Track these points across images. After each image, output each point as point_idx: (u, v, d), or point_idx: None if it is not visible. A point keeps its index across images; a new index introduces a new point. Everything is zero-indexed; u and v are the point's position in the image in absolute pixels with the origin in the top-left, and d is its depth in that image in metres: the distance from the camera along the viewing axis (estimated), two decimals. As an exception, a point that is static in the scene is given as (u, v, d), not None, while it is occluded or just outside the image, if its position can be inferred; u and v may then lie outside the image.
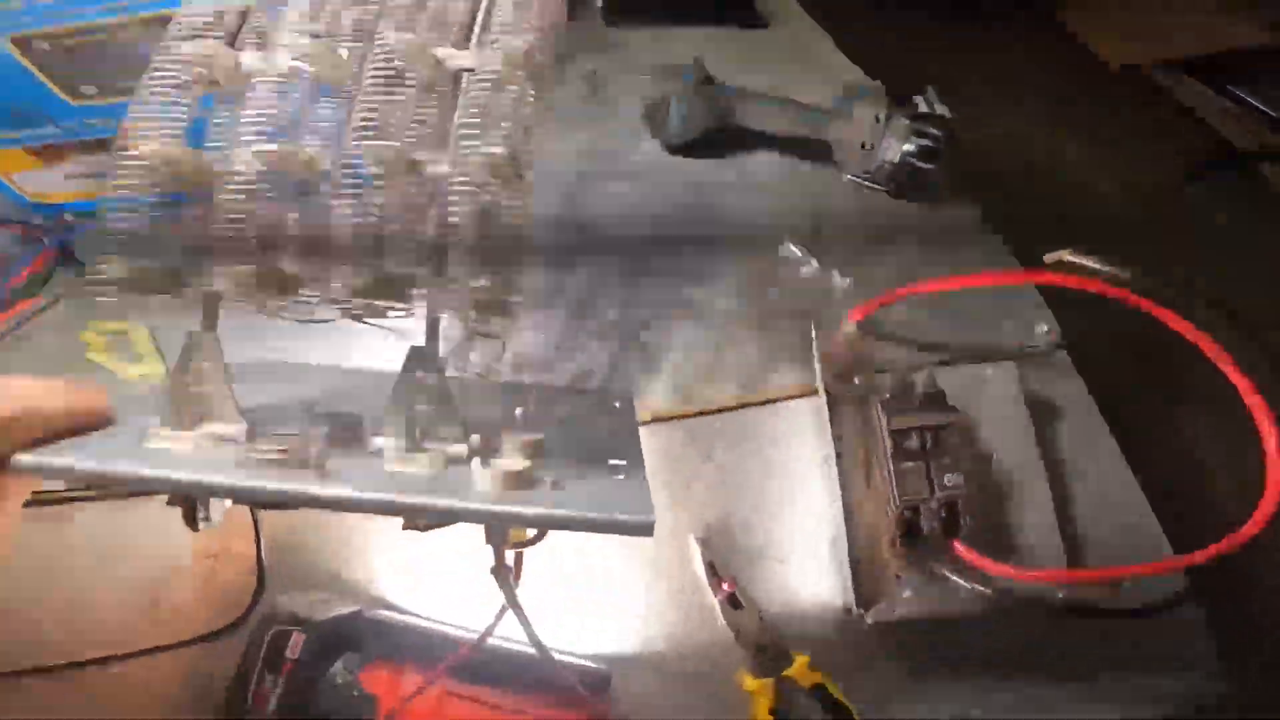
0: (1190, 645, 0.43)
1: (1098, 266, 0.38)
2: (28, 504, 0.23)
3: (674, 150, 0.65)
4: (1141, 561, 0.39)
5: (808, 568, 0.44)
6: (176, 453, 0.22)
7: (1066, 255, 0.40)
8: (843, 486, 0.44)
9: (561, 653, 0.39)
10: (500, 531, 0.25)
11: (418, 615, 0.40)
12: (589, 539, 0.42)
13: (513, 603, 0.27)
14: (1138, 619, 0.41)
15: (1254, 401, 0.35)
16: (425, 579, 0.42)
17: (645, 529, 0.20)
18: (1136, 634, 0.43)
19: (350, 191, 0.23)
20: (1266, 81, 2.43)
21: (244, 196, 0.24)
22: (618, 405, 0.34)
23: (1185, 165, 2.16)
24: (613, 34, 0.83)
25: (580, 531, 0.21)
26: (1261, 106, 2.32)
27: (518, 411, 0.28)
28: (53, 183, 0.56)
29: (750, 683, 0.40)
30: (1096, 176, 2.13)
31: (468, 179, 0.22)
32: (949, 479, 0.40)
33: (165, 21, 0.40)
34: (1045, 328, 0.54)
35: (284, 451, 0.20)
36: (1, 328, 0.51)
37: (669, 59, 0.69)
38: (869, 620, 0.40)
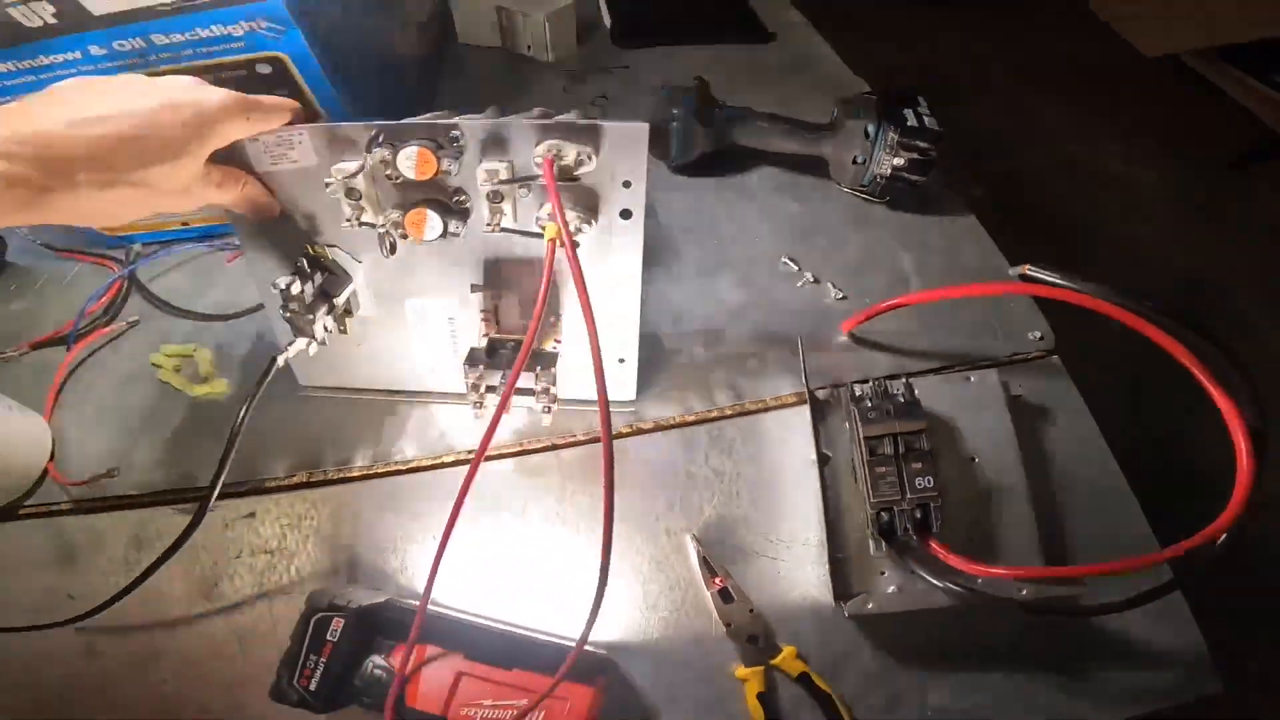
0: (1177, 635, 0.45)
1: (1057, 280, 0.41)
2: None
3: (677, 170, 0.68)
4: (1128, 556, 0.41)
5: (797, 564, 0.47)
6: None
7: (1028, 269, 0.42)
8: (829, 488, 0.47)
9: (566, 639, 0.43)
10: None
11: (440, 604, 0.44)
12: (595, 535, 0.47)
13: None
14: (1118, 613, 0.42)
15: (1225, 405, 0.37)
16: (447, 573, 0.46)
17: None
18: (1122, 627, 0.45)
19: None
20: None
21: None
22: None
23: (1228, 155, 2.10)
24: (623, 55, 0.88)
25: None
26: None
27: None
28: None
29: (741, 670, 0.43)
30: (1137, 168, 2.09)
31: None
32: (920, 482, 0.43)
33: (213, 70, 0.48)
34: (1038, 333, 0.56)
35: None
36: (82, 352, 0.57)
37: (676, 76, 0.72)
38: (846, 613, 0.43)
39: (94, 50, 0.47)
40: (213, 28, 0.46)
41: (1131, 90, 2.52)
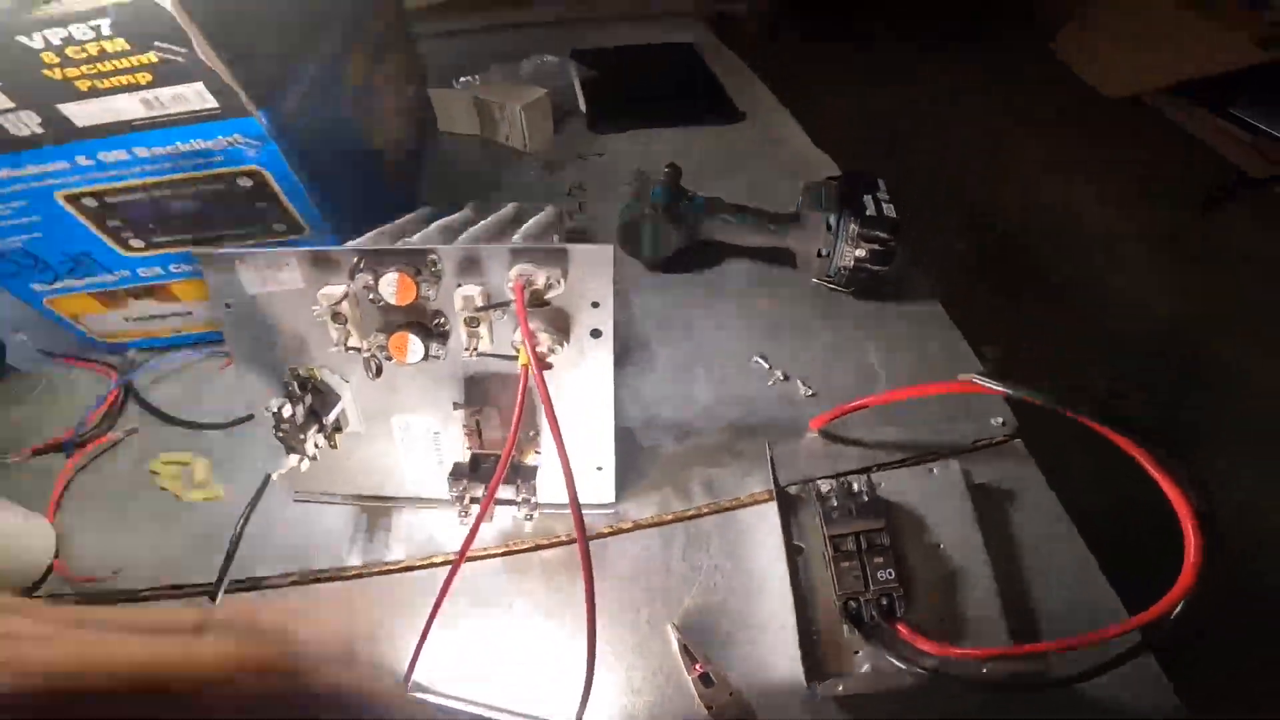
0: (1151, 696, 0.46)
1: (1000, 388, 0.43)
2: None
3: (651, 268, 0.72)
4: (1096, 625, 0.42)
5: (774, 647, 0.48)
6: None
7: (975, 378, 0.45)
8: (800, 576, 0.49)
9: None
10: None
11: (432, 690, 0.46)
12: (579, 626, 0.48)
13: None
14: (1092, 682, 0.42)
15: (1171, 492, 0.40)
16: (441, 664, 0.47)
17: None
18: (1095, 694, 0.46)
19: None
20: (1266, 100, 2.44)
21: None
22: None
23: (1198, 194, 2.17)
24: (599, 141, 0.91)
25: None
26: (1265, 128, 2.33)
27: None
28: (115, 324, 0.64)
29: None
30: (1111, 211, 2.15)
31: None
32: (881, 575, 0.45)
33: (196, 182, 0.51)
34: (1000, 419, 0.59)
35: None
36: (81, 460, 0.59)
37: (651, 161, 0.76)
38: (819, 694, 0.45)
39: (81, 161, 0.49)
40: (192, 142, 0.48)
41: (1099, 132, 2.60)
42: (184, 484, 0.57)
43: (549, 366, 0.44)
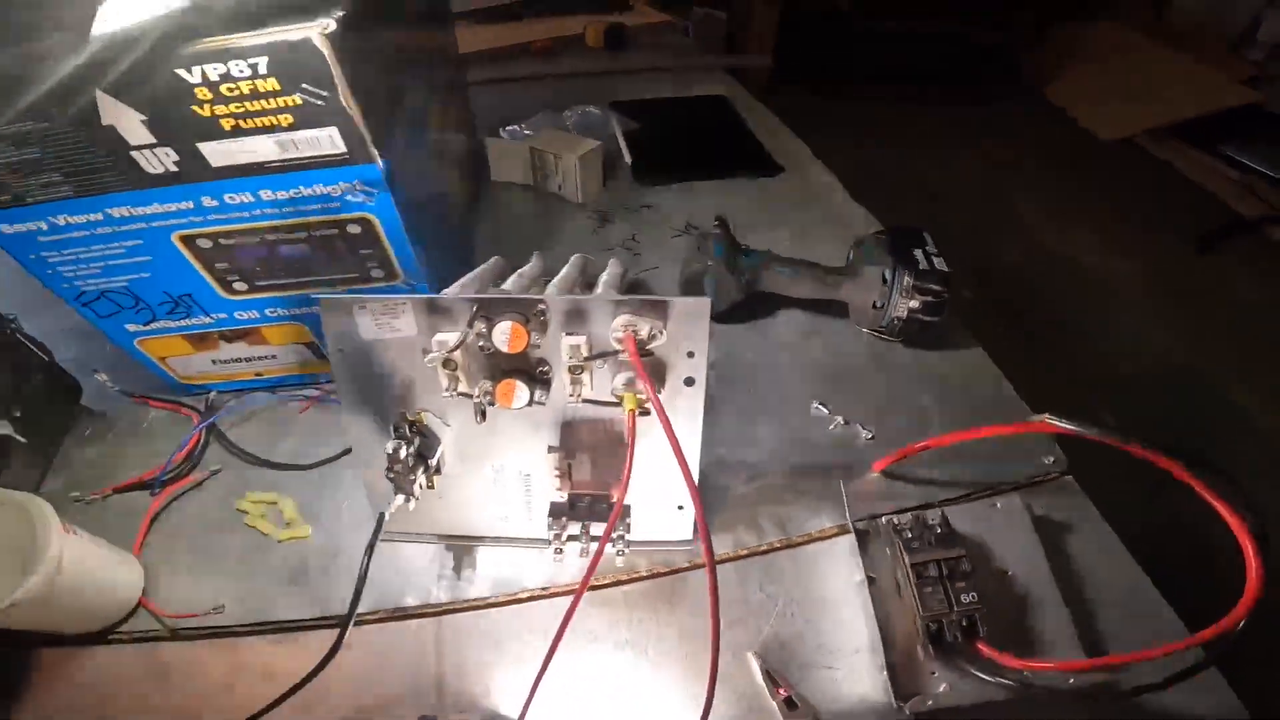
0: (1219, 706, 0.48)
1: (1074, 427, 0.46)
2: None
3: (713, 319, 0.75)
4: (1161, 644, 0.44)
5: (851, 672, 0.51)
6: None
7: (1048, 418, 0.48)
8: (877, 604, 0.51)
9: None
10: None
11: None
12: (662, 656, 0.51)
13: None
14: (1162, 693, 0.45)
15: (1229, 517, 0.42)
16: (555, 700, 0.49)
17: None
18: (1164, 706, 0.48)
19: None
20: (1255, 138, 2.53)
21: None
22: None
23: (1194, 236, 2.23)
24: (644, 192, 0.96)
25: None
26: (1257, 166, 2.42)
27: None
28: (201, 366, 0.65)
29: None
30: (1111, 258, 2.21)
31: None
32: (965, 598, 0.48)
33: (309, 227, 0.53)
34: (1051, 458, 0.62)
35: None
36: (159, 504, 0.60)
37: (698, 214, 0.79)
38: (908, 711, 0.47)
39: (205, 201, 0.51)
40: (315, 187, 0.50)
41: (1095, 176, 2.67)
42: (272, 523, 0.59)
43: (647, 413, 0.46)
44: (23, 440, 0.58)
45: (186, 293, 0.57)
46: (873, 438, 0.65)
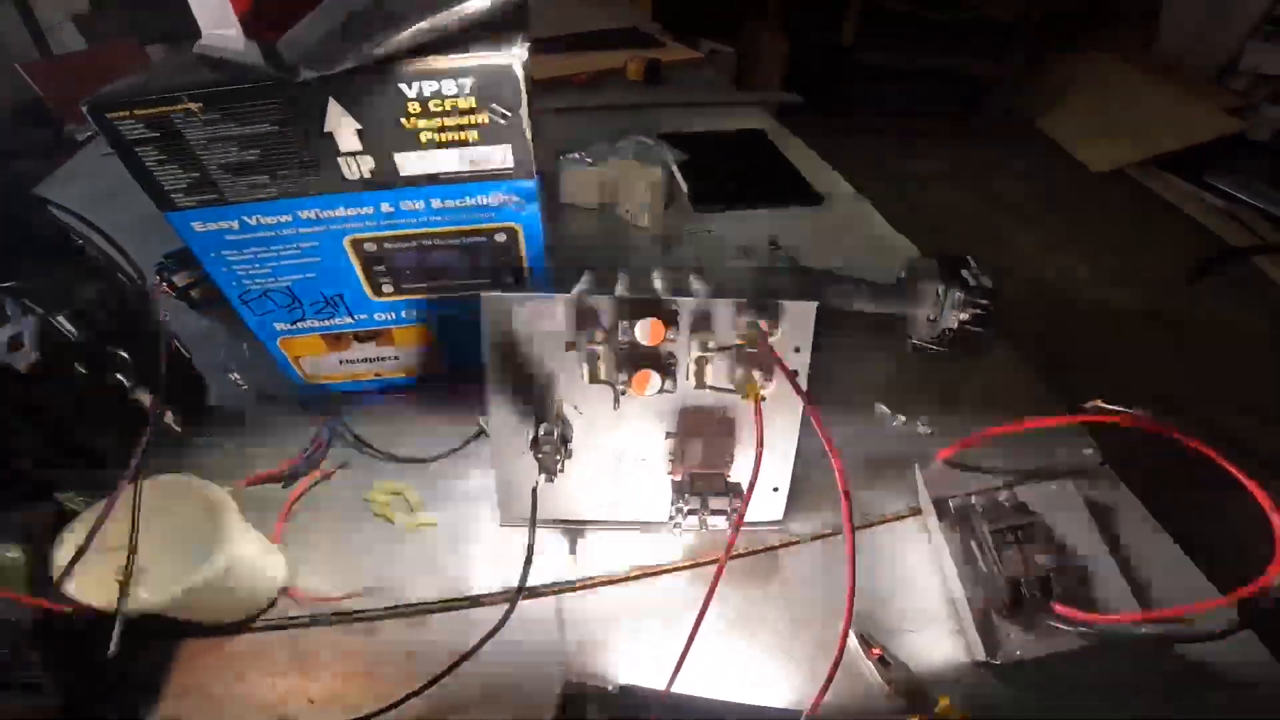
0: (1252, 663, 0.55)
1: (1123, 409, 0.54)
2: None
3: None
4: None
5: (931, 635, 0.57)
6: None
7: (1100, 403, 0.56)
8: (961, 570, 0.58)
9: (783, 710, 0.52)
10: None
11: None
12: (762, 628, 0.57)
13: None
14: (1207, 646, 0.53)
15: (1260, 494, 0.50)
16: (650, 663, 0.55)
17: None
18: (1208, 660, 0.55)
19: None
20: (1239, 168, 2.67)
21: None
22: None
23: (1183, 265, 2.35)
24: (701, 219, 1.04)
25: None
26: (1241, 196, 2.55)
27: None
28: (329, 366, 0.71)
29: None
30: (1105, 288, 2.32)
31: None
32: (1040, 559, 0.55)
33: (462, 235, 0.58)
34: (1091, 450, 0.70)
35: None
36: (296, 496, 0.65)
37: (749, 235, 0.86)
38: (997, 662, 0.53)
39: (384, 208, 0.55)
40: (480, 197, 0.56)
41: (1088, 208, 2.80)
42: (399, 512, 0.64)
43: (764, 399, 0.54)
44: (179, 430, 0.64)
45: (339, 294, 0.62)
46: (931, 432, 0.72)
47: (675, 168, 1.10)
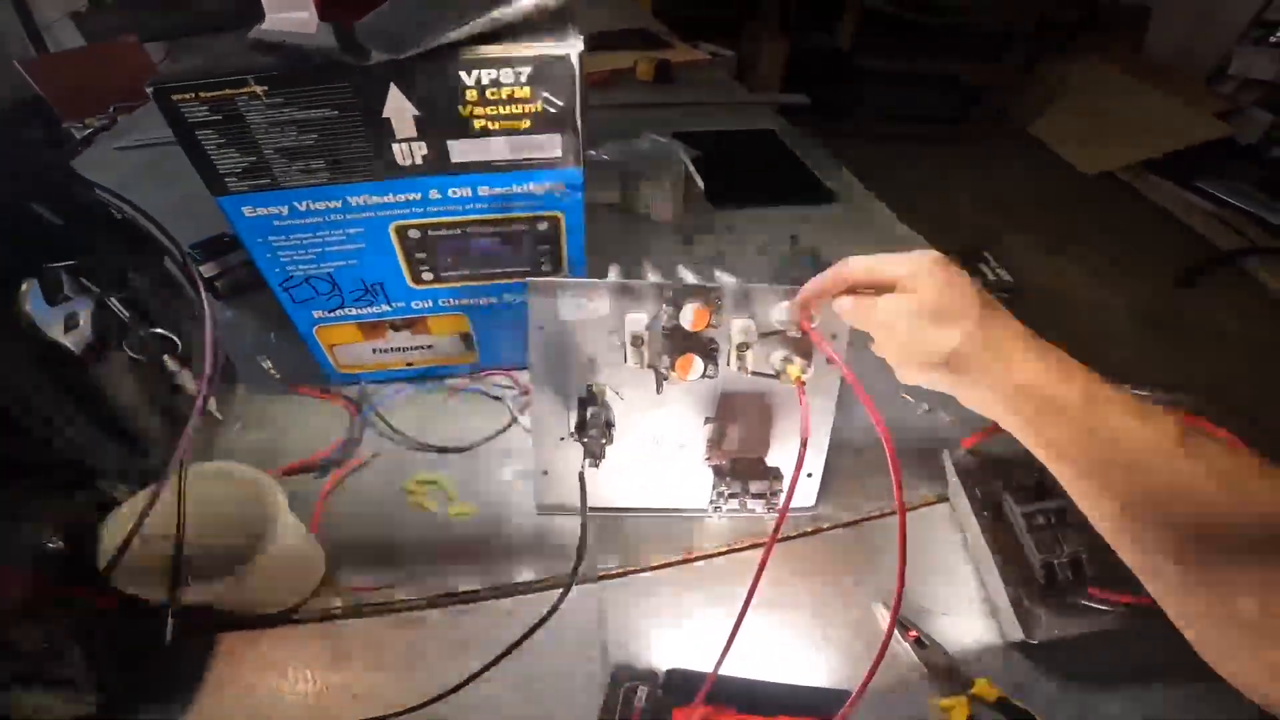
0: None
1: (1148, 393, 0.56)
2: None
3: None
4: None
5: (964, 617, 0.59)
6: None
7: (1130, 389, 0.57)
8: (990, 555, 0.59)
9: (824, 688, 0.53)
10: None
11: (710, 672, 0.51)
12: (799, 608, 0.58)
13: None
14: None
15: None
16: (691, 643, 0.55)
17: None
18: None
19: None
20: (1228, 172, 2.72)
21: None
22: None
23: (1174, 268, 2.39)
24: (720, 216, 1.05)
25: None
26: (1229, 199, 2.60)
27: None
28: (362, 355, 0.71)
29: (945, 702, 0.52)
30: (1099, 292, 2.36)
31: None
32: (1071, 541, 0.56)
33: (507, 223, 0.59)
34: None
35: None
36: (331, 485, 0.65)
37: (771, 236, 0.88)
38: (1034, 641, 0.54)
39: (432, 194, 0.56)
40: (528, 185, 0.56)
41: (1080, 211, 2.83)
42: (436, 502, 0.65)
43: (804, 384, 0.55)
44: (220, 418, 0.65)
45: (379, 281, 0.63)
46: (952, 422, 0.74)
47: (691, 166, 1.11)
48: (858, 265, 0.45)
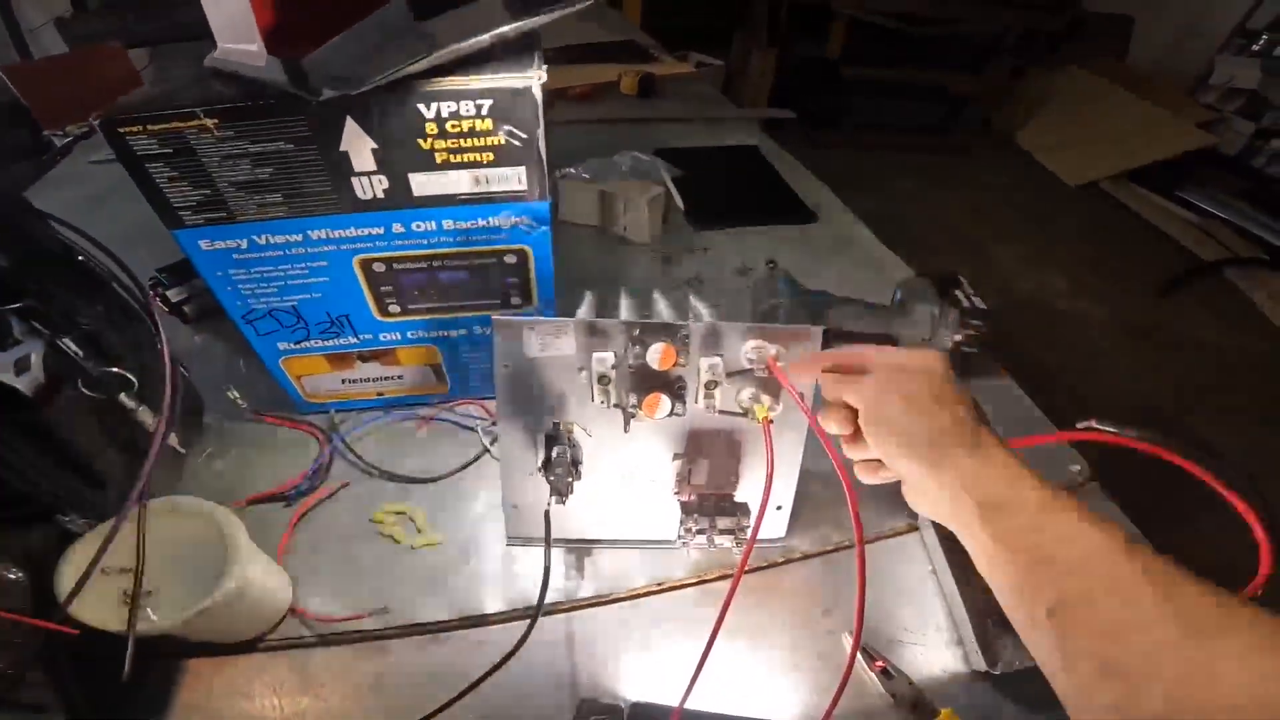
0: None
1: (1115, 429, 0.56)
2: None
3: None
4: None
5: (932, 647, 0.58)
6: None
7: (1094, 424, 0.57)
8: (960, 585, 0.59)
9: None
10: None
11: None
12: (766, 641, 0.58)
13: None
14: None
15: (1241, 506, 0.51)
16: (655, 676, 0.55)
17: None
18: None
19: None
20: (1214, 182, 2.74)
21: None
22: None
23: (1156, 279, 2.41)
24: (698, 236, 1.05)
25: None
26: (1212, 210, 2.61)
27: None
28: (330, 385, 0.70)
29: None
30: (1081, 302, 2.37)
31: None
32: None
33: (472, 256, 0.58)
34: (1078, 467, 0.72)
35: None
36: (299, 515, 0.64)
37: (750, 257, 0.87)
38: (997, 671, 0.54)
39: (395, 228, 0.55)
40: (491, 218, 0.56)
41: (1063, 221, 2.85)
42: (405, 532, 0.64)
43: (770, 423, 0.54)
44: (183, 451, 0.64)
45: (345, 314, 0.62)
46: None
47: (671, 185, 1.10)
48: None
